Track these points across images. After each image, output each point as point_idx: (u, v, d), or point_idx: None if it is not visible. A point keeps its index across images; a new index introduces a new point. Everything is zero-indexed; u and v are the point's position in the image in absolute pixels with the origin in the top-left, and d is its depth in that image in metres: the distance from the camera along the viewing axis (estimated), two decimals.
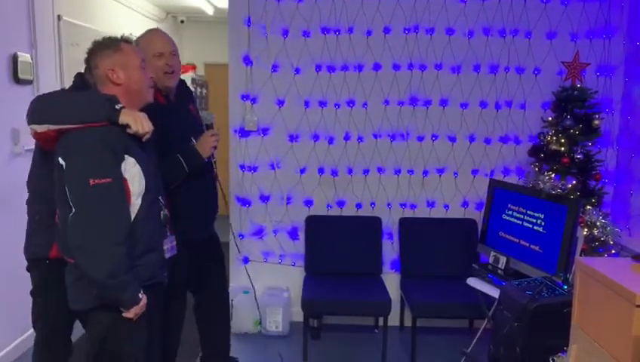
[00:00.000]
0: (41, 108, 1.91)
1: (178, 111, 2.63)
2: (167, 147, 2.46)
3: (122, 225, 1.84)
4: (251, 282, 3.19)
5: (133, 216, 1.90)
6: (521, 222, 3.06)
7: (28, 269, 2.41)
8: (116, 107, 1.85)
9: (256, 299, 3.64)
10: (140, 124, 1.86)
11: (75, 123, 1.83)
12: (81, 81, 2.25)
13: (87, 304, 1.92)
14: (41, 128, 1.87)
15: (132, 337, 1.97)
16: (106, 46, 1.97)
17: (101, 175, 1.80)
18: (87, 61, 1.99)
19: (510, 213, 3.15)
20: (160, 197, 2.09)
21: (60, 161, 1.84)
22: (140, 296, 1.89)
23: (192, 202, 2.60)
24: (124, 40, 2.02)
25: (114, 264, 1.81)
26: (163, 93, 2.57)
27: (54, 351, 2.43)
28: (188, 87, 2.87)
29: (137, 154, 1.90)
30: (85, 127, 1.82)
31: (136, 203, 1.91)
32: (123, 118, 1.84)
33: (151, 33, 2.61)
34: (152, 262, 1.99)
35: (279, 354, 3.41)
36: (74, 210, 1.81)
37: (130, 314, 1.88)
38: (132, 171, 1.88)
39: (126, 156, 1.86)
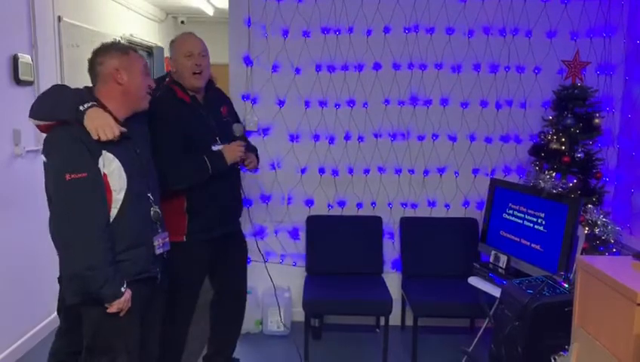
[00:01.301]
0: (36, 102, 2.00)
1: (206, 112, 2.68)
2: (186, 146, 2.52)
3: (99, 219, 1.90)
4: (272, 279, 3.24)
5: (115, 210, 1.95)
6: (522, 221, 3.06)
7: None
8: (80, 108, 1.88)
9: (276, 294, 3.55)
10: (102, 131, 1.88)
11: (48, 120, 1.92)
12: None
13: (73, 299, 1.96)
14: (33, 122, 1.97)
15: (121, 331, 1.99)
16: (116, 48, 2.07)
17: (77, 170, 1.86)
18: (93, 58, 2.06)
19: (511, 212, 3.15)
20: (150, 195, 2.11)
21: (43, 157, 1.94)
22: (123, 290, 1.92)
23: (201, 204, 2.61)
24: (133, 49, 2.14)
25: (91, 257, 1.86)
26: (190, 94, 2.63)
27: (71, 342, 2.44)
28: (222, 91, 2.93)
29: (118, 149, 1.95)
30: (62, 124, 1.90)
31: (117, 198, 1.96)
32: (85, 123, 1.88)
33: (183, 35, 2.71)
34: (139, 256, 2.02)
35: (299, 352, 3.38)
36: (53, 204, 1.91)
37: (113, 308, 1.91)
38: (111, 167, 1.94)
39: (103, 151, 1.91)
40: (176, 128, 2.51)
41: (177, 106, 2.57)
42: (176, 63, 2.62)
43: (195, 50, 2.61)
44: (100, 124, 1.89)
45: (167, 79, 2.70)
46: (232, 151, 2.62)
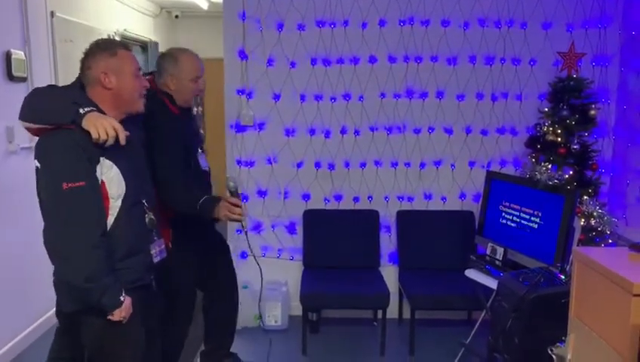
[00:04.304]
0: (24, 104, 1.89)
1: (188, 121, 2.75)
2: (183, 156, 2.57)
3: (97, 230, 1.82)
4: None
5: (112, 218, 1.88)
6: (518, 213, 3.07)
7: None
8: (80, 111, 1.79)
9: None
10: (102, 130, 1.78)
11: (43, 123, 1.81)
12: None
13: (71, 306, 1.91)
14: (24, 124, 1.86)
15: (126, 340, 1.95)
16: (103, 49, 1.94)
17: (74, 178, 1.78)
18: (82, 61, 1.95)
19: (507, 204, 3.15)
20: (145, 201, 2.03)
21: (36, 163, 1.83)
22: (122, 298, 1.86)
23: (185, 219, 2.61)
24: (123, 45, 2.00)
25: (90, 268, 1.79)
26: (178, 105, 2.62)
27: (67, 345, 2.43)
28: None
29: (116, 156, 1.86)
30: (57, 128, 1.80)
31: (115, 205, 1.88)
32: (84, 124, 1.78)
33: (189, 57, 2.63)
34: (137, 264, 1.97)
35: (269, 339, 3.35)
36: (49, 213, 1.82)
37: (115, 317, 1.86)
38: (109, 174, 1.86)
39: (102, 159, 1.83)
40: (176, 139, 2.54)
41: (172, 118, 2.58)
42: (178, 82, 2.57)
43: (201, 73, 2.63)
44: (101, 123, 1.79)
45: (149, 77, 2.62)
46: (225, 212, 2.47)
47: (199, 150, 2.73)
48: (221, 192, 2.82)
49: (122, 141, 1.84)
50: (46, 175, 1.82)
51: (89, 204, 1.81)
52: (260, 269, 2.87)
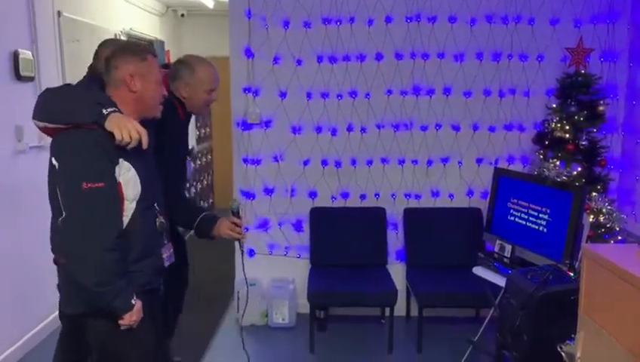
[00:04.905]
0: (40, 104, 1.88)
1: (187, 128, 2.79)
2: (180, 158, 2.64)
3: (113, 231, 1.80)
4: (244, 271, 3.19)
5: (127, 220, 1.86)
6: (526, 210, 3.05)
7: None
8: (104, 111, 1.77)
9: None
10: (126, 132, 1.77)
11: (62, 123, 1.79)
12: (92, 74, 2.27)
13: (78, 308, 1.90)
14: (39, 124, 1.85)
15: (135, 342, 1.94)
16: (133, 52, 1.93)
17: (94, 179, 1.75)
18: (108, 59, 1.94)
19: (515, 201, 3.14)
20: (156, 205, 2.04)
21: (53, 161, 1.81)
22: (133, 301, 1.85)
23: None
24: (151, 52, 2.00)
25: (104, 271, 1.78)
26: (185, 112, 2.66)
27: (76, 343, 2.45)
28: None
29: (133, 158, 1.85)
30: (77, 127, 1.78)
31: (130, 207, 1.87)
32: (108, 125, 1.76)
33: (206, 68, 2.62)
34: (148, 267, 1.96)
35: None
36: (65, 213, 1.79)
37: (125, 321, 1.84)
38: (127, 176, 1.84)
39: (120, 160, 1.82)
40: (179, 145, 2.63)
41: (178, 124, 2.62)
42: (192, 91, 2.58)
43: (216, 86, 2.63)
44: (124, 125, 1.77)
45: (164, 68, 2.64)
46: (227, 231, 2.46)
47: (187, 157, 2.81)
48: (227, 192, 2.85)
49: (145, 145, 1.83)
50: (65, 174, 1.79)
51: (107, 206, 1.80)
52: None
